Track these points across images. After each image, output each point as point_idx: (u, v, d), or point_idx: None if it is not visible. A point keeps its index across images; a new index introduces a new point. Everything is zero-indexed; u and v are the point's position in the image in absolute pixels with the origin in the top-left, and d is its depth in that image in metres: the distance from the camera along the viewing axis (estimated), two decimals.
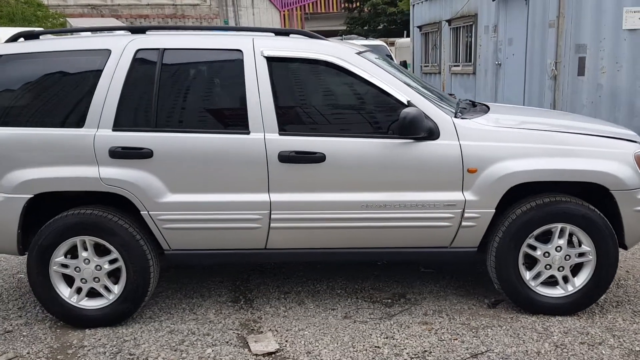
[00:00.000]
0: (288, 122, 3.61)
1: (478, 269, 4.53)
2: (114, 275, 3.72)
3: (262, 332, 3.66)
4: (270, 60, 3.63)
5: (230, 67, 3.67)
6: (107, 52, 3.64)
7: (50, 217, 3.71)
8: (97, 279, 3.69)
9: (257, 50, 3.64)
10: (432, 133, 3.53)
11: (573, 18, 7.91)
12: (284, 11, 36.18)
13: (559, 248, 3.65)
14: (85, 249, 3.66)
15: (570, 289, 3.71)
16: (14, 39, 3.87)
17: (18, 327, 3.80)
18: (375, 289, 4.23)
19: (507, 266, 3.66)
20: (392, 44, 18.43)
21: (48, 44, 3.77)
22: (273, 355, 3.38)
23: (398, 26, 31.59)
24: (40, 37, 3.88)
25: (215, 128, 3.63)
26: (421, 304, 3.96)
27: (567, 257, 3.66)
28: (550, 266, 3.68)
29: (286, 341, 3.52)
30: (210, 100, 3.73)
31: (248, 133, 3.57)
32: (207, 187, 3.59)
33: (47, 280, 3.67)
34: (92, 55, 3.68)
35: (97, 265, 3.66)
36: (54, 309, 3.73)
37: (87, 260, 3.66)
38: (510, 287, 3.69)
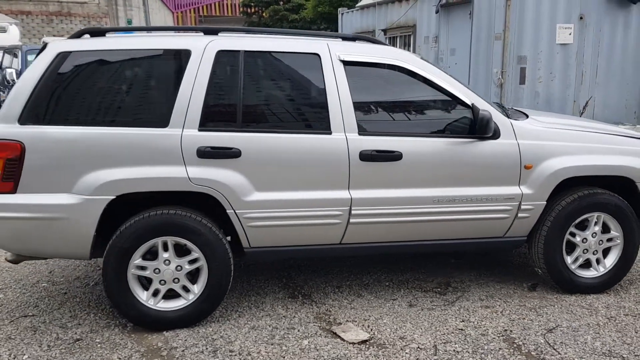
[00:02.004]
0: (365, 122, 3.81)
1: (496, 258, 4.98)
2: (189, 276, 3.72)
3: (340, 323, 3.82)
4: (346, 64, 3.82)
5: (309, 70, 3.81)
6: (188, 52, 3.65)
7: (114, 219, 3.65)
8: (176, 280, 3.66)
9: (333, 54, 3.81)
10: (495, 133, 3.89)
11: (516, 32, 8.71)
12: (177, 12, 35.51)
13: (594, 234, 4.16)
14: (165, 250, 3.63)
15: (601, 270, 4.23)
16: (78, 35, 3.74)
17: (86, 335, 3.67)
18: (419, 280, 4.53)
19: (553, 252, 4.10)
20: None
21: (122, 41, 3.69)
22: (367, 342, 3.56)
23: None
24: (107, 34, 3.78)
25: (298, 128, 3.76)
26: (470, 291, 4.31)
27: (600, 241, 4.18)
28: (587, 250, 4.18)
29: (371, 330, 3.72)
30: (292, 101, 3.84)
31: (330, 133, 3.73)
32: (291, 185, 3.70)
33: (125, 283, 3.59)
34: (172, 55, 3.67)
35: (178, 266, 3.64)
36: (130, 313, 3.64)
37: (167, 261, 3.62)
38: (555, 271, 4.14)
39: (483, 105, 3.92)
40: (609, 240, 4.21)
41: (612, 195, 4.14)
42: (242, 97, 3.67)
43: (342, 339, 3.59)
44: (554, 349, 3.44)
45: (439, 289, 4.35)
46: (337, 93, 3.75)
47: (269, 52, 3.80)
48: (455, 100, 3.94)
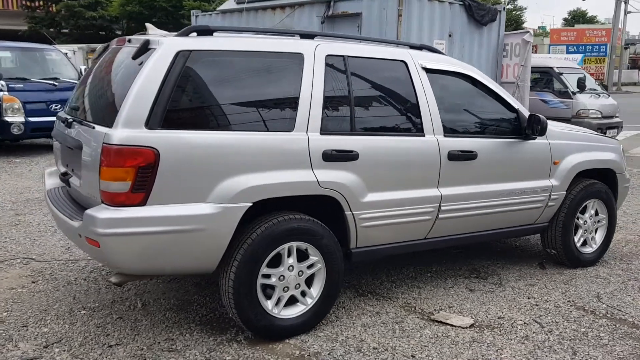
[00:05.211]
0: (447, 125, 4.14)
1: (484, 245, 5.65)
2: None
3: (431, 312, 4.10)
4: (427, 71, 4.12)
5: (399, 76, 4.03)
6: (300, 56, 3.63)
7: None
8: (297, 286, 3.62)
9: (415, 62, 4.09)
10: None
11: None
12: None
13: (591, 217, 5.04)
14: (288, 256, 3.57)
15: (594, 246, 5.13)
16: (186, 33, 3.47)
17: (210, 355, 3.42)
18: (450, 269, 4.96)
19: (568, 234, 4.88)
20: None
21: (238, 42, 3.54)
22: (475, 326, 3.91)
23: (96, 31, 30.13)
24: (214, 34, 3.56)
25: (398, 131, 3.97)
26: (500, 274, 4.87)
27: (594, 223, 5.08)
28: (586, 231, 5.04)
29: (465, 315, 4.06)
30: (390, 105, 4.02)
31: (423, 135, 4.00)
32: (396, 185, 3.90)
33: (255, 294, 3.46)
34: (287, 58, 3.62)
35: (300, 271, 3.61)
36: (260, 324, 3.49)
37: (291, 267, 3.57)
38: (569, 250, 4.91)
39: (525, 111, 4.52)
40: (598, 221, 5.13)
41: (602, 184, 5.05)
42: (352, 100, 3.76)
43: (453, 325, 3.89)
44: (619, 310, 4.17)
45: (475, 275, 4.84)
46: (425, 98, 4.03)
47: (366, 58, 3.93)
48: (506, 106, 4.47)
